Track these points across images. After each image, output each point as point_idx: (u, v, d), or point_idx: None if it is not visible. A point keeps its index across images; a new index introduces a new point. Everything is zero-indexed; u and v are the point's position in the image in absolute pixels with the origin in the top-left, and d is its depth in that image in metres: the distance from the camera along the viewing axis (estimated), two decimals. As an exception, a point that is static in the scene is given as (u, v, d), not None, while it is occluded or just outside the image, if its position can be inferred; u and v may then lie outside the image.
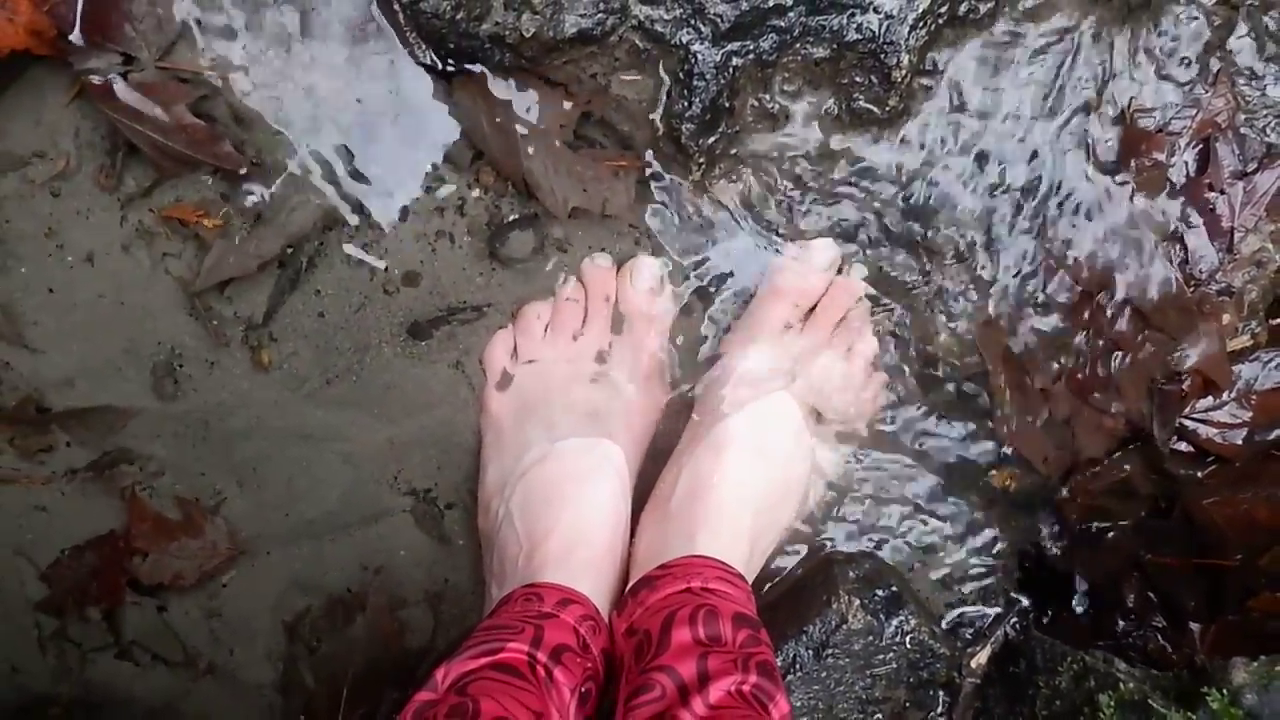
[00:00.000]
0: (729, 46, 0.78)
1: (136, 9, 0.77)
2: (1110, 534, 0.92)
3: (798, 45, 0.78)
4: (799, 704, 0.81)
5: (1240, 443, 0.87)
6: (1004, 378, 0.86)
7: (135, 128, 0.78)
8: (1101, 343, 0.85)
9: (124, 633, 0.89)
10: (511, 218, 0.86)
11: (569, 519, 0.78)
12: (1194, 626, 0.90)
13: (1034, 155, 0.84)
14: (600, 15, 0.76)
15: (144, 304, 0.85)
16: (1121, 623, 0.93)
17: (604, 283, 0.85)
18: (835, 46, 0.78)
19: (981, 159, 0.84)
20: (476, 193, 0.85)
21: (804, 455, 0.85)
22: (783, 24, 0.77)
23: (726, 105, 0.80)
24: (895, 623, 0.83)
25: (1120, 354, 0.85)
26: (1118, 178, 0.83)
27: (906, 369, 0.88)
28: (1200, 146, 0.83)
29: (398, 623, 0.90)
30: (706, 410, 0.85)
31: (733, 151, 0.83)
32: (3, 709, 0.89)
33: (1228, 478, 0.88)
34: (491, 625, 0.69)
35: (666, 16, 0.77)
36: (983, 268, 0.86)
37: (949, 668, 0.84)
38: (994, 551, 0.92)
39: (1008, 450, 0.89)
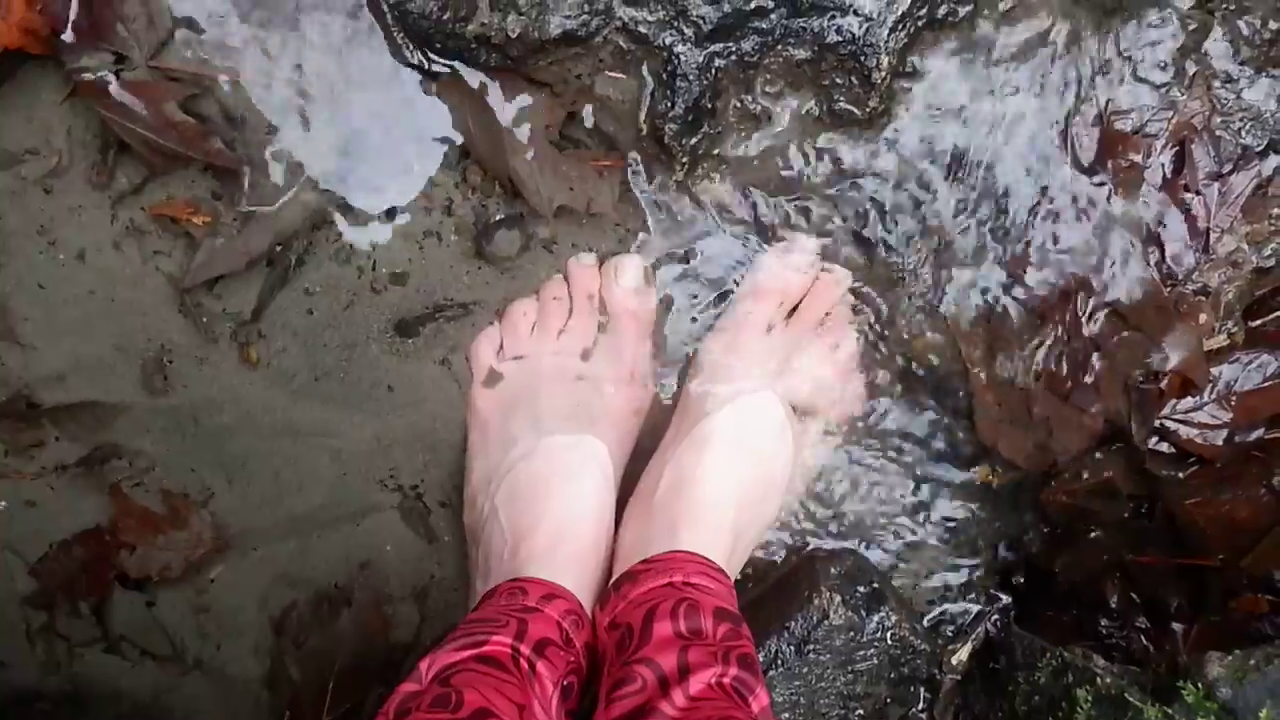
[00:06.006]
0: (711, 48, 0.79)
1: (128, 9, 0.78)
2: (1092, 533, 0.92)
3: (779, 47, 0.80)
4: (780, 699, 0.81)
5: (1221, 444, 0.87)
6: (983, 376, 0.87)
7: (127, 126, 0.79)
8: (1080, 342, 0.86)
9: (112, 627, 0.90)
10: (498, 217, 0.87)
11: (554, 514, 0.79)
12: (1176, 627, 0.91)
13: (1012, 156, 0.85)
14: (585, 16, 0.78)
15: (134, 300, 0.86)
16: (1104, 622, 0.93)
17: (589, 281, 0.86)
18: (816, 48, 0.79)
19: (960, 160, 0.85)
20: (464, 192, 0.86)
21: (786, 452, 0.85)
22: (764, 26, 0.79)
23: (709, 106, 0.81)
24: (876, 619, 0.83)
25: (1098, 353, 0.86)
26: (1095, 179, 0.84)
27: (887, 367, 0.89)
28: (1176, 148, 0.83)
29: (383, 618, 0.90)
30: (690, 407, 0.86)
31: (715, 151, 0.84)
32: (-9, 703, 0.90)
33: (1209, 478, 0.88)
34: (476, 619, 0.70)
35: (650, 18, 0.78)
36: (962, 267, 0.87)
37: (930, 664, 0.84)
38: (975, 549, 0.93)
39: (989, 448, 0.89)
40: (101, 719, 0.89)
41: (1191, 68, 0.83)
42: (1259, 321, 0.88)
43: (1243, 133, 0.83)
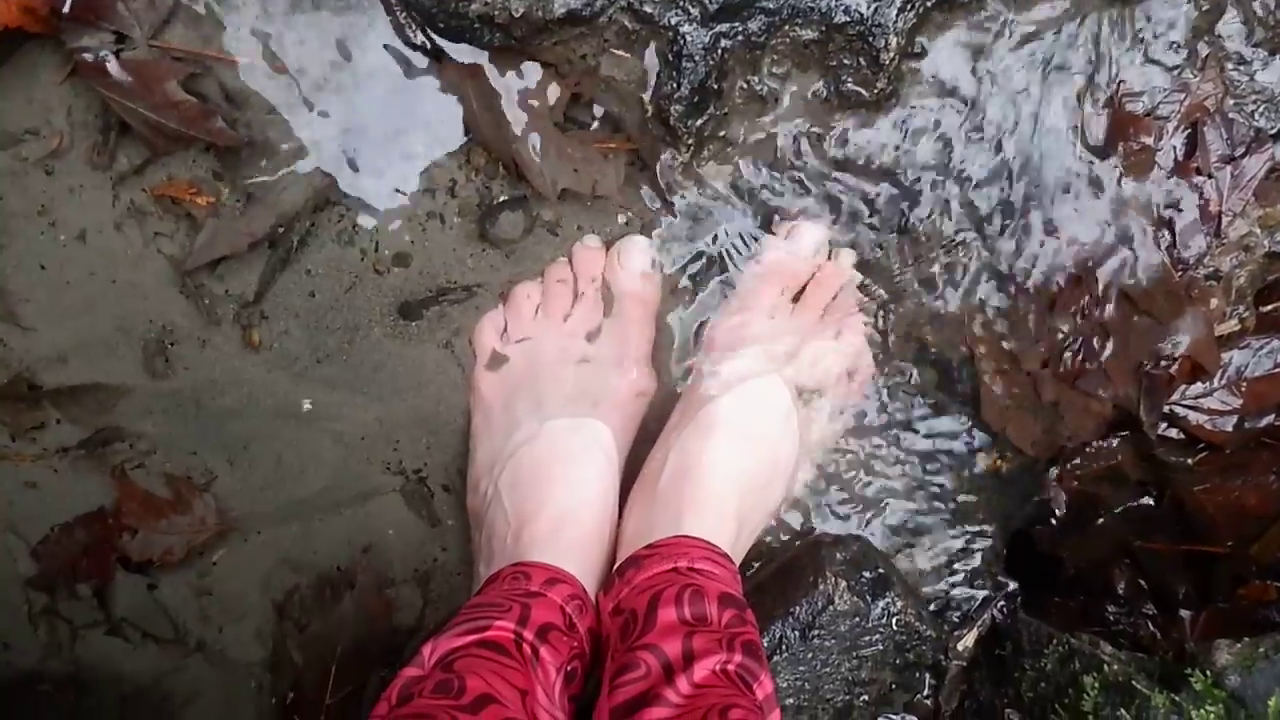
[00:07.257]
0: (718, 28, 0.78)
1: (129, -13, 0.78)
2: (1100, 519, 0.92)
3: (786, 27, 0.79)
4: (785, 685, 0.81)
5: (1230, 430, 0.87)
6: (991, 361, 0.87)
7: (128, 105, 0.79)
8: (1089, 327, 0.85)
9: (114, 610, 0.90)
10: (502, 199, 0.86)
11: (557, 498, 0.79)
12: (1184, 614, 0.90)
13: (1021, 138, 0.84)
14: (589, -5, 0.77)
15: (136, 282, 0.85)
16: (1112, 609, 0.93)
17: (593, 263, 0.86)
18: (824, 29, 0.78)
19: (969, 142, 0.84)
20: (467, 174, 0.86)
21: (791, 437, 0.85)
22: (771, 6, 0.78)
23: (715, 87, 0.80)
24: (882, 605, 0.83)
25: (1108, 338, 0.85)
26: (1106, 161, 0.83)
27: (894, 352, 0.89)
28: (1188, 131, 0.82)
29: (386, 601, 0.90)
30: (695, 391, 0.85)
31: (721, 133, 0.83)
32: (-7, 685, 0.90)
33: (1218, 465, 0.88)
34: (479, 603, 0.69)
35: (655, -3, 0.77)
36: (970, 251, 0.86)
37: (935, 650, 0.84)
38: (982, 534, 0.92)
39: (996, 433, 0.89)
40: (103, 701, 0.90)
41: (1204, 49, 0.82)
42: (1270, 307, 0.88)
43: (1256, 115, 0.82)
